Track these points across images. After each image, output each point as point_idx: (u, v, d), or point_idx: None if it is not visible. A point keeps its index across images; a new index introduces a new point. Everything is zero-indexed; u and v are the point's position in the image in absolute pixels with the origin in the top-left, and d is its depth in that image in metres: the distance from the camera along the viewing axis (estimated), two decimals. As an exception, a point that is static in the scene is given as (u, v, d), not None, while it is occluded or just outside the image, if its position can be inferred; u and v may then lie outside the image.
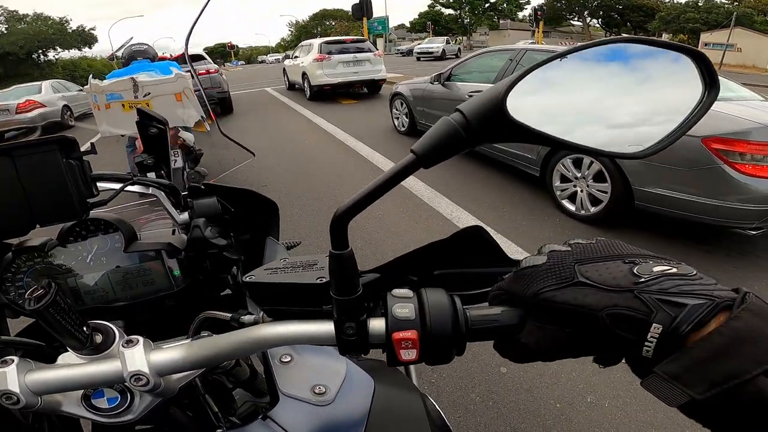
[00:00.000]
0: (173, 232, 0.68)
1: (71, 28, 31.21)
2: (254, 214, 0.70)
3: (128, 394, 0.41)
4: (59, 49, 31.39)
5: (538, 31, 19.67)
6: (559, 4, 39.09)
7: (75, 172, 0.52)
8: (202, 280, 0.63)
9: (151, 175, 0.88)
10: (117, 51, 3.78)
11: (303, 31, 63.67)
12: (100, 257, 0.61)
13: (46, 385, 0.37)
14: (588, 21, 40.17)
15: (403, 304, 0.32)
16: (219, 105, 7.64)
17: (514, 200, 3.24)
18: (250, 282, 0.37)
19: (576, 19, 41.44)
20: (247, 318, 0.43)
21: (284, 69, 11.57)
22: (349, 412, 0.42)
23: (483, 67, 4.19)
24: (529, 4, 43.84)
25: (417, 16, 49.67)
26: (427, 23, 44.52)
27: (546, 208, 3.06)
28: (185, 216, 0.68)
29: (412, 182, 3.72)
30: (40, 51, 29.84)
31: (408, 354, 0.31)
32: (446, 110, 4.49)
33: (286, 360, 0.49)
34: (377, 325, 0.33)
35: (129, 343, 0.38)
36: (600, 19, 39.56)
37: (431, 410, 0.44)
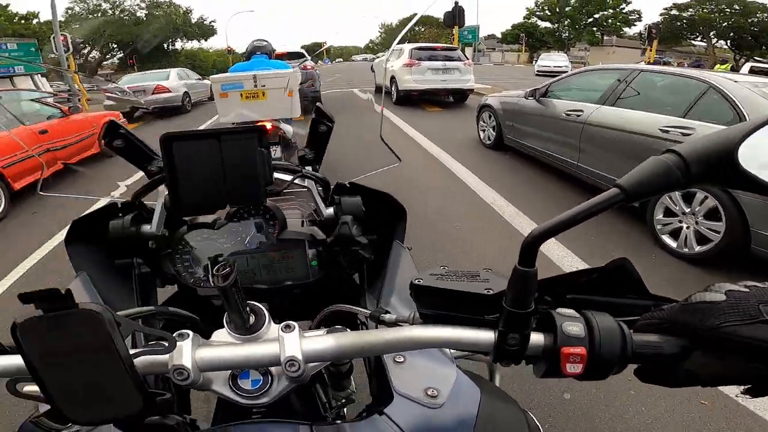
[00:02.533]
0: (302, 224, 0.70)
1: (193, 19, 35.08)
2: (386, 216, 0.72)
3: (270, 377, 0.42)
4: (184, 39, 35.55)
5: (651, 50, 17.92)
6: (678, 23, 35.33)
7: (264, 160, 0.57)
8: (333, 273, 0.66)
9: (309, 169, 0.99)
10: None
11: (392, 35, 65.31)
12: (256, 240, 0.65)
13: (210, 363, 0.37)
14: (714, 42, 35.70)
15: (572, 322, 0.34)
16: (311, 102, 8.11)
17: (603, 229, 3.05)
18: (420, 285, 0.38)
19: (699, 39, 37.10)
20: (387, 317, 0.44)
21: (372, 70, 11.98)
22: (458, 417, 0.42)
23: (586, 85, 3.96)
24: (641, 20, 40.30)
25: (510, 27, 48.14)
26: (521, 35, 43.02)
27: (641, 241, 2.84)
28: (330, 210, 0.70)
29: (492, 197, 3.68)
30: (170, 40, 34.00)
31: (573, 368, 0.33)
32: (539, 127, 4.41)
33: (399, 360, 0.48)
34: (538, 339, 0.35)
35: (287, 328, 0.38)
36: (729, 41, 34.95)
37: (532, 426, 0.44)
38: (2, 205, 3.94)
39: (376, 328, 0.45)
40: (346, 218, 0.63)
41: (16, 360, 0.35)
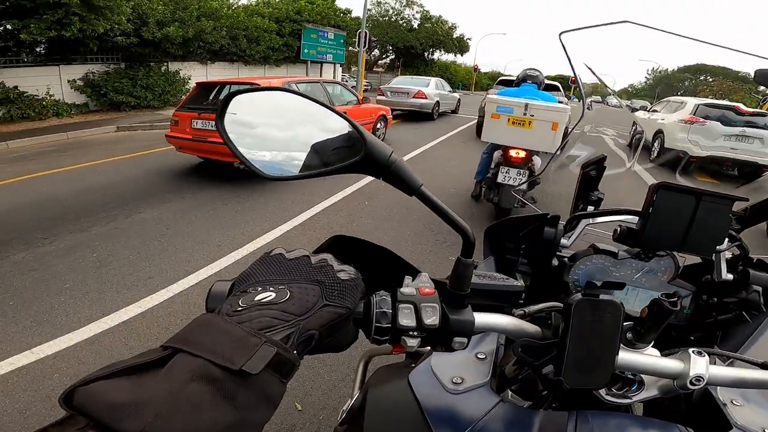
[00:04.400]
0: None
1: (455, 34, 38.73)
2: None
3: (642, 384, 0.49)
4: (442, 51, 39.80)
5: None
6: None
7: (729, 223, 0.66)
8: (698, 321, 0.73)
9: None
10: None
11: (663, 81, 55.51)
12: (644, 278, 0.73)
13: (631, 364, 0.46)
14: None
15: None
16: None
17: None
18: None
19: None
20: None
21: (633, 122, 10.52)
22: None
23: None
24: None
25: None
26: None
27: None
28: (730, 276, 0.74)
29: None
30: (432, 49, 38.68)
31: None
32: None
33: (737, 404, 0.54)
34: None
35: (699, 353, 0.45)
36: None
37: None
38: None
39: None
40: (758, 288, 0.69)
41: (527, 327, 0.46)
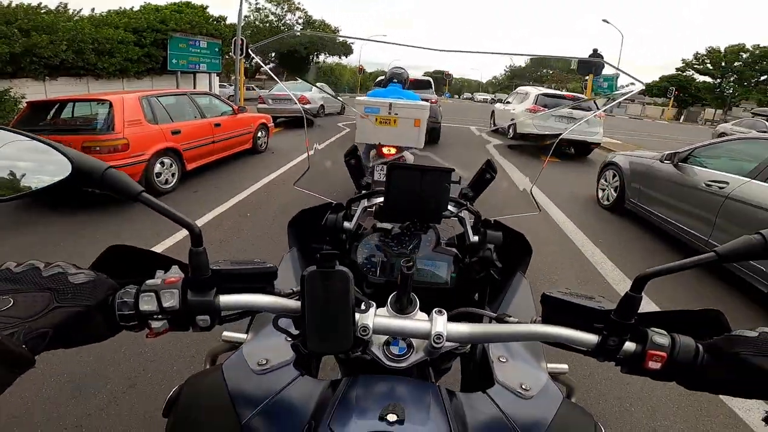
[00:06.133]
0: (442, 243, 0.86)
1: (339, 38, 38.88)
2: (515, 250, 0.87)
3: (412, 349, 0.52)
4: (326, 54, 39.76)
5: None
6: None
7: (447, 192, 0.79)
8: (465, 285, 0.81)
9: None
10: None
11: (517, 74, 64.02)
12: (416, 248, 0.83)
13: (381, 327, 0.48)
14: None
15: (659, 336, 0.46)
16: (429, 134, 8.44)
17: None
18: (550, 295, 0.49)
19: None
20: (510, 319, 0.54)
21: (492, 111, 11.90)
22: (542, 410, 0.50)
23: (739, 154, 3.49)
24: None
25: (657, 79, 43.38)
26: (669, 88, 38.55)
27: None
28: (476, 238, 0.86)
29: (597, 258, 3.50)
30: (315, 53, 38.46)
31: (654, 365, 0.45)
32: (670, 195, 4.04)
33: (503, 360, 0.60)
34: (630, 345, 0.47)
35: (439, 312, 0.49)
36: None
37: None
38: (175, 180, 4.95)
39: None
40: (490, 246, 0.79)
41: (288, 303, 0.49)
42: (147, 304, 0.45)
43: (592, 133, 8.30)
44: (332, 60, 41.74)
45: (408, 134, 3.93)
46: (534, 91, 9.28)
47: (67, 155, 0.44)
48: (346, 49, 38.40)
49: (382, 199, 0.88)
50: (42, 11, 10.57)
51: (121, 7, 13.71)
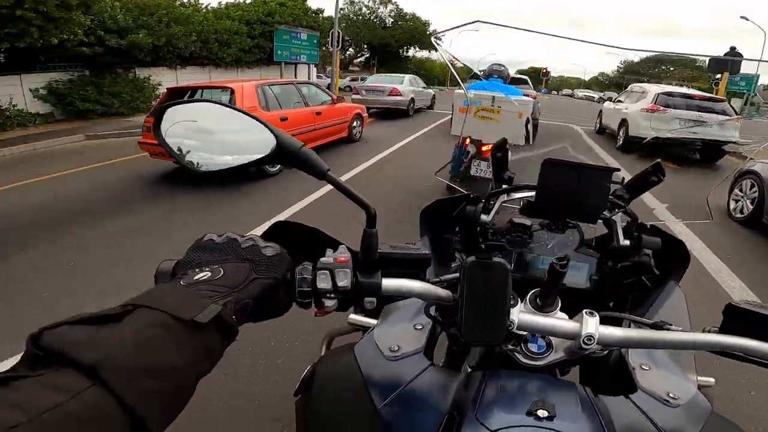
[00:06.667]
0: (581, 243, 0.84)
1: (429, 30, 38.68)
2: (671, 258, 0.81)
3: (551, 347, 0.53)
4: (417, 48, 39.85)
5: None
6: None
7: (608, 192, 0.74)
8: (605, 289, 0.79)
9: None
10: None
11: (630, 71, 57.31)
12: (557, 247, 0.81)
13: (531, 324, 0.48)
14: None
15: None
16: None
17: None
18: (740, 307, 0.48)
19: None
20: (673, 328, 0.50)
21: (600, 111, 10.52)
22: (689, 420, 0.49)
23: None
24: None
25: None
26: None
27: None
28: (627, 242, 0.80)
29: (729, 281, 3.02)
30: (407, 46, 38.68)
31: None
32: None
33: (645, 368, 0.58)
34: None
35: (591, 314, 0.47)
36: None
37: None
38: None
39: None
40: (648, 252, 0.75)
41: (439, 291, 0.50)
42: (323, 282, 0.45)
43: (725, 136, 7.08)
44: (422, 54, 41.65)
45: (509, 129, 3.76)
46: (654, 88, 8.14)
47: (274, 132, 0.47)
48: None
49: (524, 194, 0.86)
50: (178, 3, 12.09)
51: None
